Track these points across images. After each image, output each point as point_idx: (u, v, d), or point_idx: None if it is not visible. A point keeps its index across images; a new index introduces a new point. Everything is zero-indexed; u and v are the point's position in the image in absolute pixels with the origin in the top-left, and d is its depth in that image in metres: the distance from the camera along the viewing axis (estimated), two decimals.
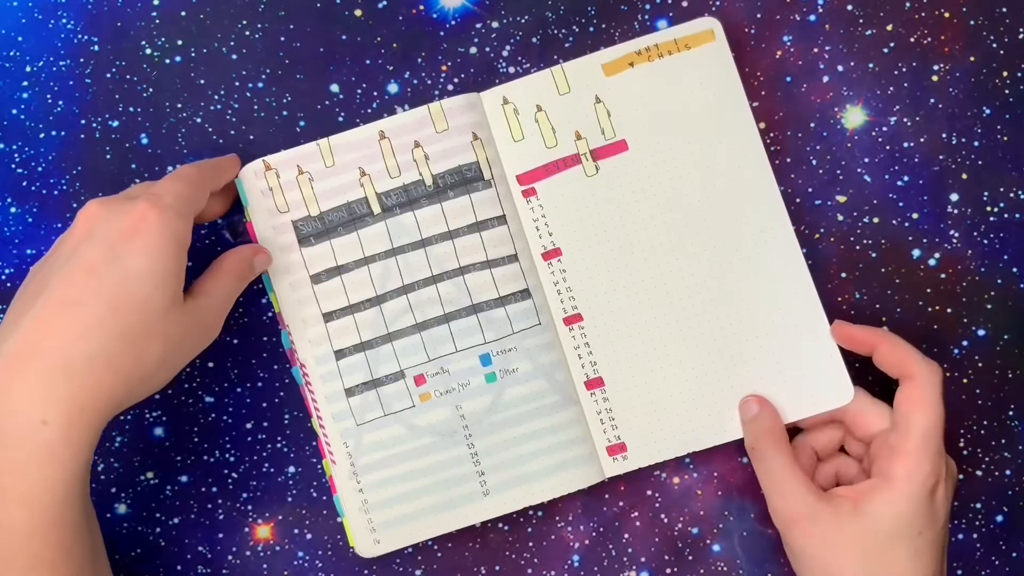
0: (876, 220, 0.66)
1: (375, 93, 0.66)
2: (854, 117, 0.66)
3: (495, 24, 0.66)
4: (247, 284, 0.61)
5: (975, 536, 0.66)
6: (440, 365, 0.64)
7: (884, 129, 0.66)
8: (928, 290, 0.66)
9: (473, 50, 0.66)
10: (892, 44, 0.66)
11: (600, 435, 0.64)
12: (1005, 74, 0.66)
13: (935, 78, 0.66)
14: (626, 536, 0.66)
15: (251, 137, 0.65)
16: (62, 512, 0.51)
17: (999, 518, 0.66)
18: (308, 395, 0.64)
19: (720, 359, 0.64)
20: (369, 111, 0.66)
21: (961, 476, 0.66)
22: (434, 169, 0.64)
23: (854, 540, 0.58)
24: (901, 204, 0.66)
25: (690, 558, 0.66)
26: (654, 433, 0.64)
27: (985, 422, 0.66)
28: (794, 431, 0.65)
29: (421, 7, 0.66)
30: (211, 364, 0.65)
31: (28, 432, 0.50)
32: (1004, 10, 0.66)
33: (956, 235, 0.66)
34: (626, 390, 0.64)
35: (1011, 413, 0.66)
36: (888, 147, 0.66)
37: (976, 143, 0.66)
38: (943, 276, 0.66)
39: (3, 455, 0.50)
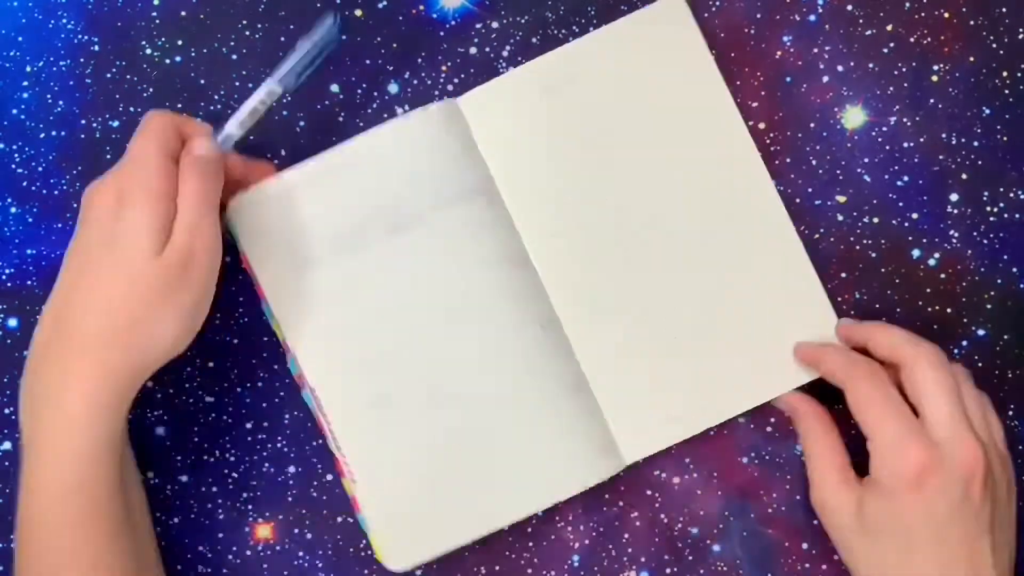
0: (876, 220, 0.66)
1: (375, 93, 0.66)
2: (854, 117, 0.66)
3: (495, 24, 0.66)
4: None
5: None
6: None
7: (884, 129, 0.66)
8: (928, 290, 0.66)
9: (473, 50, 0.66)
10: (892, 44, 0.66)
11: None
12: (1005, 74, 0.66)
13: (935, 78, 0.66)
14: (626, 536, 0.66)
15: (251, 137, 0.65)
16: (90, 475, 0.55)
17: None
18: (321, 418, 0.63)
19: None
20: (369, 111, 0.66)
21: None
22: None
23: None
24: (901, 204, 0.66)
25: (690, 558, 0.66)
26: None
27: None
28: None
29: (421, 7, 0.66)
30: (211, 364, 0.65)
31: (55, 406, 0.55)
32: (1004, 10, 0.66)
33: (956, 235, 0.66)
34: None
35: (1011, 413, 0.66)
36: (888, 147, 0.66)
37: (976, 143, 0.66)
38: (943, 276, 0.66)
39: (36, 425, 0.56)
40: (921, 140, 0.66)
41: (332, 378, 0.63)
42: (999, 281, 0.66)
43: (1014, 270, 0.66)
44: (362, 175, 0.62)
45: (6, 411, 0.65)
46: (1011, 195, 0.66)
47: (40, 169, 0.65)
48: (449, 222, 0.63)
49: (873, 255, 0.66)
